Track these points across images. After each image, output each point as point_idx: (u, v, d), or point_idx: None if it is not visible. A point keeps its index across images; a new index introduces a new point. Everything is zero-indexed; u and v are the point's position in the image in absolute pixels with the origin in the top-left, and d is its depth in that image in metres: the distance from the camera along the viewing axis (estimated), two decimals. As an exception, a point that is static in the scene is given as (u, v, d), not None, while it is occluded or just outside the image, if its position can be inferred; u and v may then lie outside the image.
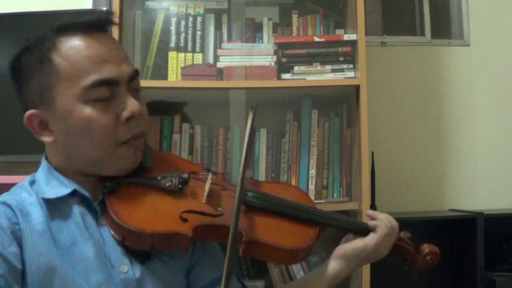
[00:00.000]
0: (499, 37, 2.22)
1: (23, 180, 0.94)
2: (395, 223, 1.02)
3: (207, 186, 0.94)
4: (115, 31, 1.58)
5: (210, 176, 0.96)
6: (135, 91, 0.92)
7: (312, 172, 1.73)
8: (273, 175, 1.74)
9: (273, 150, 1.76)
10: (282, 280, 1.67)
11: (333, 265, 0.99)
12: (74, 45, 0.86)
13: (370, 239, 0.98)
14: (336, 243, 1.04)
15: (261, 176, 1.72)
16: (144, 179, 0.92)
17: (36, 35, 0.90)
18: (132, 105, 0.88)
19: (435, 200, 2.15)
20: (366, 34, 1.68)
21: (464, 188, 2.17)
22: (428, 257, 1.04)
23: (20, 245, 0.81)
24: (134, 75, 0.91)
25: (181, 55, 1.73)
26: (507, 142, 2.20)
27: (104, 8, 1.77)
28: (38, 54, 0.87)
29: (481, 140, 2.19)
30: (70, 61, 0.85)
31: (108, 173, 0.90)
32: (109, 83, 0.86)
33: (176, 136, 1.71)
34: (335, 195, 1.74)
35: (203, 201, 0.92)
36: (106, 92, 0.86)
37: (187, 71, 1.69)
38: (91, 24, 0.90)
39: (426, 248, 1.04)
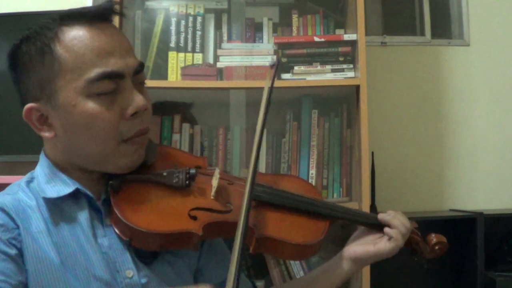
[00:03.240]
0: (499, 37, 2.22)
1: (21, 179, 0.90)
2: (409, 227, 0.97)
3: (215, 182, 0.91)
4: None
5: (217, 171, 0.93)
6: (140, 85, 0.88)
7: (312, 172, 1.73)
8: (273, 175, 1.74)
9: (273, 150, 1.76)
10: (282, 280, 1.67)
11: (344, 266, 0.96)
12: (77, 35, 0.81)
13: (383, 247, 0.94)
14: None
15: (261, 176, 1.72)
16: (149, 176, 0.89)
17: (37, 24, 0.85)
18: (137, 100, 0.83)
19: (435, 200, 2.15)
20: (366, 34, 1.68)
21: (464, 188, 2.16)
22: (437, 247, 1.02)
23: (21, 251, 0.78)
24: (140, 69, 0.87)
25: (181, 55, 1.73)
26: (507, 142, 2.20)
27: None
28: (39, 44, 0.82)
29: (481, 140, 2.19)
30: (73, 52, 0.81)
31: (110, 170, 0.86)
32: (114, 76, 0.82)
33: (176, 136, 1.71)
34: (335, 195, 1.74)
35: (211, 197, 0.90)
36: (111, 85, 0.82)
37: (187, 71, 1.69)
38: (95, 14, 0.84)
39: (434, 238, 1.03)
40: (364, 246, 0.96)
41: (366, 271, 1.58)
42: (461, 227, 1.94)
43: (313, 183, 1.72)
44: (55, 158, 0.89)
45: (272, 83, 0.92)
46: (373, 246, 0.94)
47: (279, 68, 0.96)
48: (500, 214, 1.97)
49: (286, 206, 0.95)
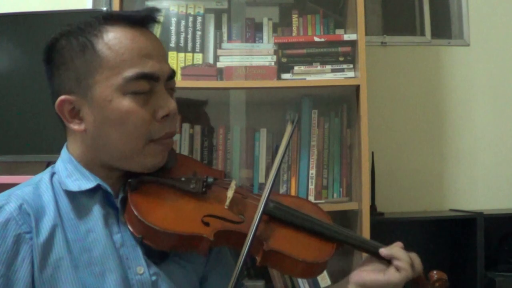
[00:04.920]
0: (499, 37, 2.22)
1: (44, 171, 0.91)
2: (417, 262, 0.96)
3: (230, 193, 0.93)
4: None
5: (234, 182, 0.96)
6: (170, 91, 0.92)
7: (312, 172, 1.73)
8: (273, 175, 1.74)
9: (273, 150, 1.76)
10: (282, 281, 1.67)
11: None
12: (118, 35, 0.85)
13: (392, 277, 0.92)
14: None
15: (261, 176, 1.72)
16: (168, 180, 0.91)
17: (80, 21, 0.88)
18: (170, 104, 0.88)
19: (435, 200, 2.15)
20: (366, 34, 1.68)
21: (464, 188, 2.17)
22: (437, 284, 1.04)
23: (30, 255, 0.79)
24: (172, 75, 0.91)
25: (181, 55, 1.73)
26: (507, 142, 2.20)
27: (104, 8, 1.77)
28: (81, 39, 0.85)
29: (481, 140, 2.19)
30: (114, 51, 0.84)
31: (133, 169, 0.89)
32: (150, 77, 0.86)
33: (176, 136, 1.71)
34: (335, 195, 1.74)
35: (225, 207, 0.92)
36: (146, 86, 0.86)
37: (187, 71, 1.69)
38: (138, 18, 0.89)
39: (435, 274, 1.04)
40: (373, 274, 0.95)
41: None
42: (461, 227, 1.94)
43: (313, 183, 1.72)
44: (79, 154, 0.90)
45: (290, 140, 0.95)
46: (383, 275, 0.93)
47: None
48: (500, 214, 1.97)
49: (296, 224, 0.97)
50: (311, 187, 1.72)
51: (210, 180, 0.92)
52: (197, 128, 1.74)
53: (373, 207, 1.85)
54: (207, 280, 0.98)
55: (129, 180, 0.87)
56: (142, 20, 0.89)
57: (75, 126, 0.87)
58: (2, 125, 1.77)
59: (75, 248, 0.81)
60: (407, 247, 1.04)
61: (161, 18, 0.94)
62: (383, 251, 0.95)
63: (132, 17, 0.88)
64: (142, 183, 0.88)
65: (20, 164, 1.78)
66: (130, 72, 0.84)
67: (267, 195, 0.89)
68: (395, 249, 0.95)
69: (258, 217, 0.86)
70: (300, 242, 0.95)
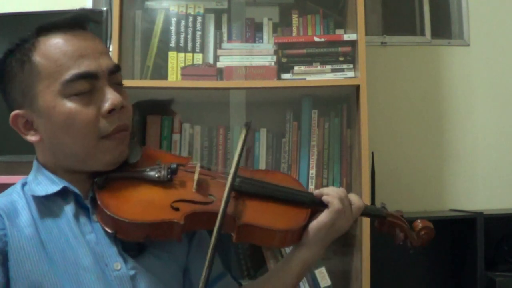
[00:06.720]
0: (499, 37, 2.22)
1: (19, 180, 0.95)
2: (353, 198, 0.99)
3: (196, 175, 0.95)
4: (115, 32, 1.58)
5: (198, 165, 0.98)
6: (117, 85, 0.92)
7: (312, 172, 1.73)
8: (273, 175, 1.74)
9: (273, 150, 1.76)
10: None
11: (299, 250, 0.98)
12: (52, 43, 0.88)
13: (323, 217, 0.95)
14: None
15: (261, 176, 1.72)
16: (133, 173, 0.93)
17: (18, 37, 0.92)
18: (112, 97, 0.88)
19: (435, 200, 2.15)
20: (366, 34, 1.68)
21: (464, 188, 2.16)
22: (423, 232, 1.03)
23: (4, 252, 0.81)
24: (115, 69, 0.92)
25: (181, 55, 1.73)
26: (507, 142, 2.20)
27: (104, 8, 1.77)
28: (19, 55, 0.89)
29: (481, 140, 2.19)
30: (49, 59, 0.87)
31: (94, 168, 0.91)
32: (87, 76, 0.87)
33: (176, 136, 1.71)
34: (335, 195, 1.74)
35: (193, 190, 0.94)
36: (86, 86, 0.87)
37: (187, 71, 1.69)
38: (70, 22, 0.91)
39: (419, 223, 1.04)
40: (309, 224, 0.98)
41: (366, 271, 1.58)
42: (461, 227, 1.94)
43: (313, 183, 1.72)
44: (45, 162, 0.93)
45: (244, 144, 0.96)
46: (316, 221, 0.96)
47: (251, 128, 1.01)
48: (500, 214, 1.97)
49: (265, 195, 0.98)
50: (311, 187, 1.72)
51: (173, 166, 0.93)
52: (197, 128, 1.74)
53: (373, 207, 1.85)
54: (190, 270, 0.99)
55: (95, 179, 0.90)
56: (71, 24, 0.91)
57: (32, 138, 0.91)
58: (2, 125, 1.77)
59: (50, 250, 0.83)
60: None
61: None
62: (316, 192, 0.99)
63: (61, 23, 0.91)
64: (109, 180, 0.90)
65: (20, 164, 1.78)
66: (67, 76, 0.86)
67: (233, 174, 0.91)
68: (324, 189, 0.99)
69: (226, 196, 0.88)
70: (272, 212, 0.96)
